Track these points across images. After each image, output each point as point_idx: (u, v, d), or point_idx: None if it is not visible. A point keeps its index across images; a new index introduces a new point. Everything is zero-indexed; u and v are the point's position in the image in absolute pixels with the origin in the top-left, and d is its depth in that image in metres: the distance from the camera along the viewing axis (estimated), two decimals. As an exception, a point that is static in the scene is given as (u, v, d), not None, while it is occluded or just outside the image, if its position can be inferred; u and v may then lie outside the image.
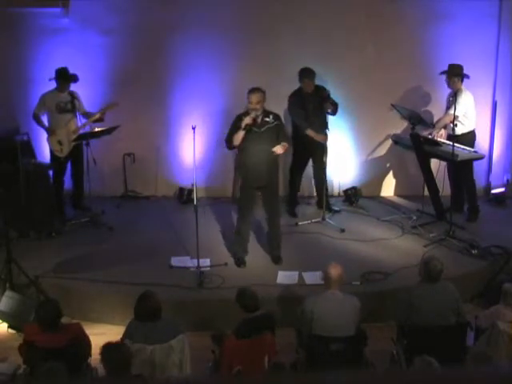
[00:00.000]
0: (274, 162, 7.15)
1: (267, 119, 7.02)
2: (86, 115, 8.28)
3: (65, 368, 4.67)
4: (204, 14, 8.53)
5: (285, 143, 7.05)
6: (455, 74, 8.01)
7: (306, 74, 8.03)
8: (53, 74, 8.06)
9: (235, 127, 7.02)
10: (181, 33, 8.62)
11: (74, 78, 8.06)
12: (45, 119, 8.22)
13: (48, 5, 8.51)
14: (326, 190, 8.46)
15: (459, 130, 8.01)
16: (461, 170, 8.11)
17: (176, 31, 8.64)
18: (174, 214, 8.68)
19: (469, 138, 8.13)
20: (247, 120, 6.90)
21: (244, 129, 6.91)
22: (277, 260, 7.44)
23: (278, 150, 6.98)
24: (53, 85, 8.14)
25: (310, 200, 8.94)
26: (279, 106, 8.67)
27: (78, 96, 8.27)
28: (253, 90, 6.93)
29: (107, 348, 4.81)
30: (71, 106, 8.18)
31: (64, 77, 8.04)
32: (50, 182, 8.14)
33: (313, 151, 8.26)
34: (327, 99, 7.95)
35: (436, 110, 8.73)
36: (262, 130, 6.99)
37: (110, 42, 8.66)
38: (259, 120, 7.00)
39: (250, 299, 5.50)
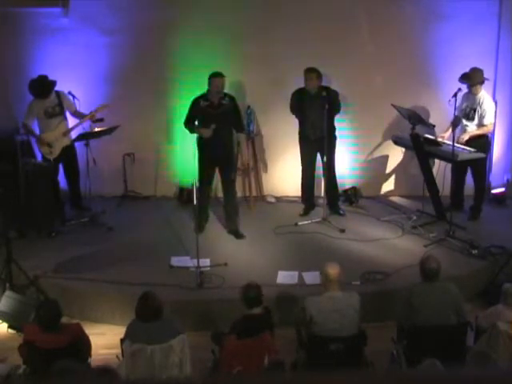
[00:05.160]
0: (230, 141, 7.82)
1: (224, 102, 7.66)
2: (77, 114, 8.24)
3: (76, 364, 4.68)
4: (204, 14, 8.52)
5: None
6: (481, 82, 7.95)
7: (306, 70, 8.00)
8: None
9: (191, 111, 7.67)
10: (181, 32, 8.62)
11: (55, 83, 8.01)
12: (34, 125, 8.16)
13: (48, 5, 8.51)
14: (336, 189, 8.47)
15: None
16: (476, 170, 8.15)
17: (176, 31, 8.62)
18: (173, 213, 8.67)
19: (483, 142, 8.12)
20: (206, 134, 7.51)
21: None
22: (237, 235, 7.83)
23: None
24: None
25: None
26: (278, 106, 8.70)
27: (65, 95, 8.18)
28: (216, 75, 7.57)
29: None
30: (59, 108, 8.10)
31: (46, 85, 7.96)
32: (49, 182, 8.13)
33: (318, 149, 8.15)
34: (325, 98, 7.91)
35: (436, 110, 8.72)
36: (219, 111, 7.59)
37: (110, 41, 8.65)
38: (216, 102, 7.62)
39: (255, 291, 5.55)
